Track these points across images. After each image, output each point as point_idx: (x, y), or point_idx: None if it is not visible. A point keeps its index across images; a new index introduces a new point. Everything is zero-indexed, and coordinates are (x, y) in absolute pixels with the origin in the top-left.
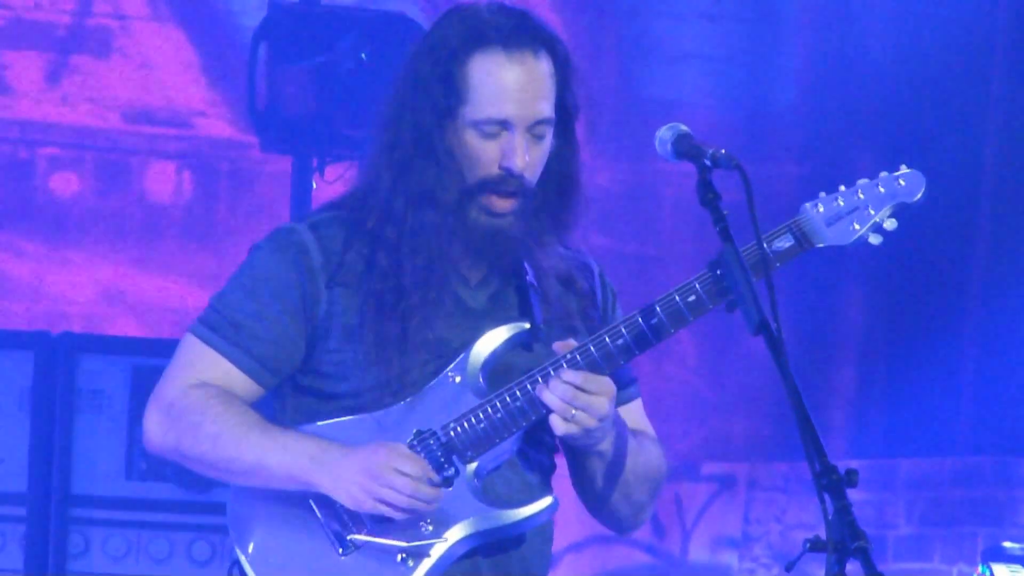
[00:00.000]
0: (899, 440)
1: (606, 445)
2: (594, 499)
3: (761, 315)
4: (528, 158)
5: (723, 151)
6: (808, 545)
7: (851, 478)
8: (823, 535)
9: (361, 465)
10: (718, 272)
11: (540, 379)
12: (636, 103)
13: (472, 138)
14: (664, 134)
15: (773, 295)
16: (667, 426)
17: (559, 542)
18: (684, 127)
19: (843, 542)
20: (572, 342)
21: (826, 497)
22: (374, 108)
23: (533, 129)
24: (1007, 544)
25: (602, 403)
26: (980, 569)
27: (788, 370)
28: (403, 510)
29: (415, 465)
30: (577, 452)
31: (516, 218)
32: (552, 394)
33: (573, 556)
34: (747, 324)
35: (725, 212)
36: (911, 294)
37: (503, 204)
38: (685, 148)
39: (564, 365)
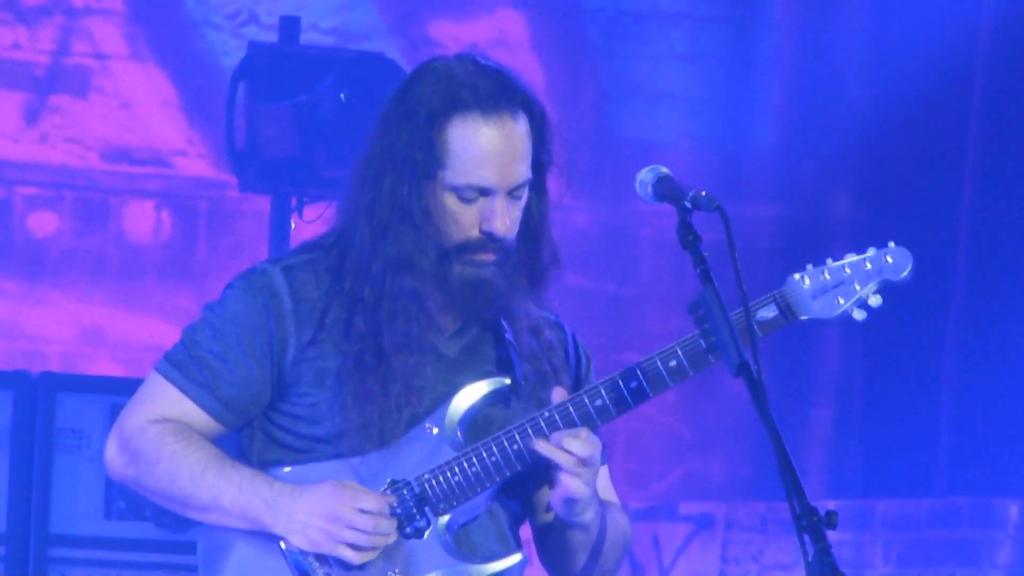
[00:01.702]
0: (877, 480)
1: (590, 515)
2: (566, 570)
3: (741, 357)
4: (508, 221)
5: (704, 193)
6: None
7: (831, 520)
8: None
9: (316, 507)
10: (703, 326)
11: (520, 434)
12: (613, 144)
13: (451, 202)
14: (644, 176)
15: (759, 364)
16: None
17: None
18: (664, 169)
19: None
20: (563, 391)
21: (806, 538)
22: (352, 152)
23: (513, 192)
24: None
25: (597, 459)
26: None
27: (768, 412)
28: (366, 549)
29: (371, 499)
30: (555, 524)
31: (498, 268)
32: (566, 452)
33: None
34: (728, 365)
35: (706, 254)
36: (888, 334)
37: (485, 256)
38: (665, 190)
39: (542, 424)
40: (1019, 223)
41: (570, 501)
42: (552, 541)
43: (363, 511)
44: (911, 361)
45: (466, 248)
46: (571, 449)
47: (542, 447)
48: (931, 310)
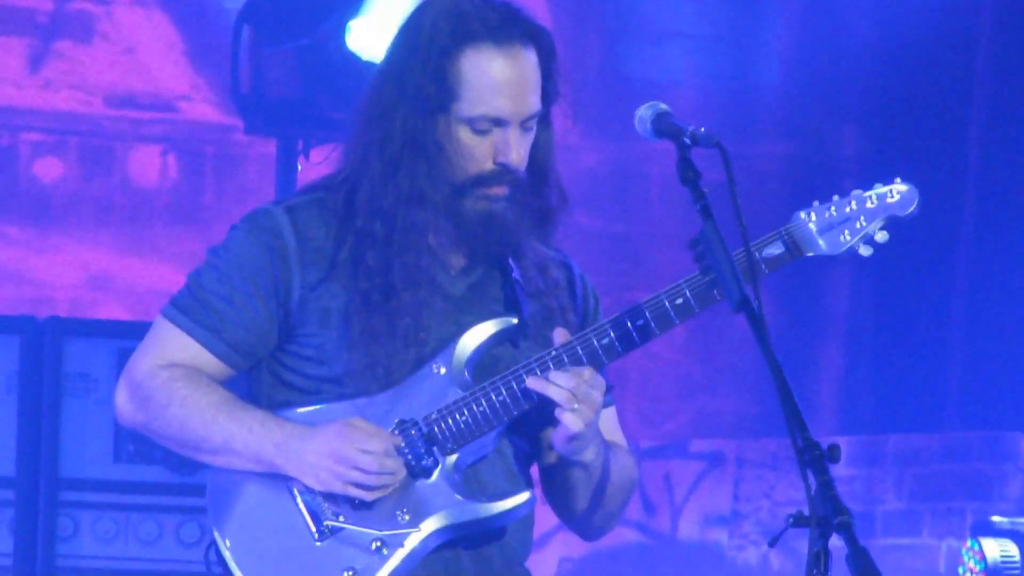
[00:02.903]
0: (888, 416)
1: (591, 455)
2: (569, 509)
3: (742, 292)
4: (523, 153)
5: (702, 129)
6: (791, 520)
7: (833, 453)
8: (803, 510)
9: (324, 448)
10: (705, 270)
11: (527, 373)
12: (621, 83)
13: (465, 134)
14: (643, 113)
15: (759, 299)
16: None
17: (548, 522)
18: (664, 105)
19: (826, 517)
20: (565, 332)
21: (809, 473)
22: (358, 92)
23: (525, 123)
24: (995, 518)
25: (598, 398)
26: (969, 543)
27: (769, 347)
28: (374, 488)
29: (377, 440)
30: (558, 464)
31: (509, 203)
32: (556, 385)
33: (563, 536)
34: (728, 301)
35: (705, 190)
36: (898, 270)
37: (499, 190)
38: (664, 127)
39: (549, 363)
40: None
41: (569, 438)
42: (555, 480)
43: (367, 451)
44: (921, 296)
45: (480, 181)
46: (559, 383)
47: (532, 383)
48: (940, 245)
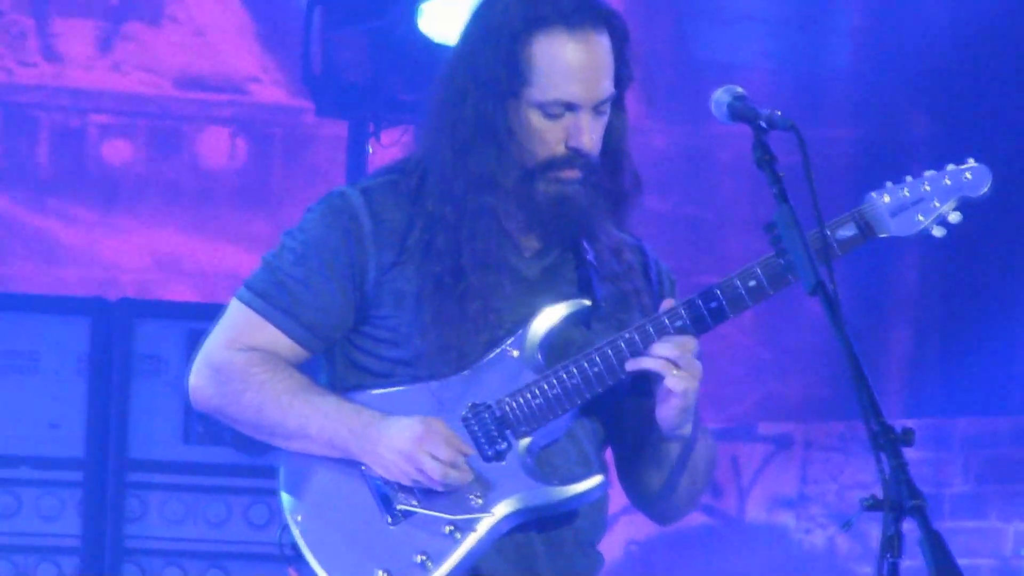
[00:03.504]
0: (955, 399)
1: (690, 427)
2: (654, 490)
3: (817, 275)
4: (594, 136)
5: (779, 112)
6: (865, 505)
7: (907, 437)
8: (879, 494)
9: (396, 444)
10: (780, 253)
11: (612, 354)
12: (692, 65)
13: (537, 119)
14: (719, 96)
15: (834, 282)
16: (723, 387)
17: (615, 505)
18: (739, 89)
19: (899, 501)
20: (671, 301)
21: (882, 456)
22: (431, 76)
23: (598, 107)
24: None
25: (699, 368)
26: None
27: (844, 330)
28: (437, 486)
29: (447, 448)
30: (651, 442)
31: (582, 186)
32: (658, 357)
33: (629, 517)
34: (803, 284)
35: (781, 174)
36: (967, 252)
37: (571, 173)
38: (740, 110)
39: (623, 345)
40: None
41: (674, 409)
42: (644, 459)
43: (436, 458)
44: (990, 278)
45: (551, 165)
46: (663, 353)
47: (632, 363)
48: (1010, 227)
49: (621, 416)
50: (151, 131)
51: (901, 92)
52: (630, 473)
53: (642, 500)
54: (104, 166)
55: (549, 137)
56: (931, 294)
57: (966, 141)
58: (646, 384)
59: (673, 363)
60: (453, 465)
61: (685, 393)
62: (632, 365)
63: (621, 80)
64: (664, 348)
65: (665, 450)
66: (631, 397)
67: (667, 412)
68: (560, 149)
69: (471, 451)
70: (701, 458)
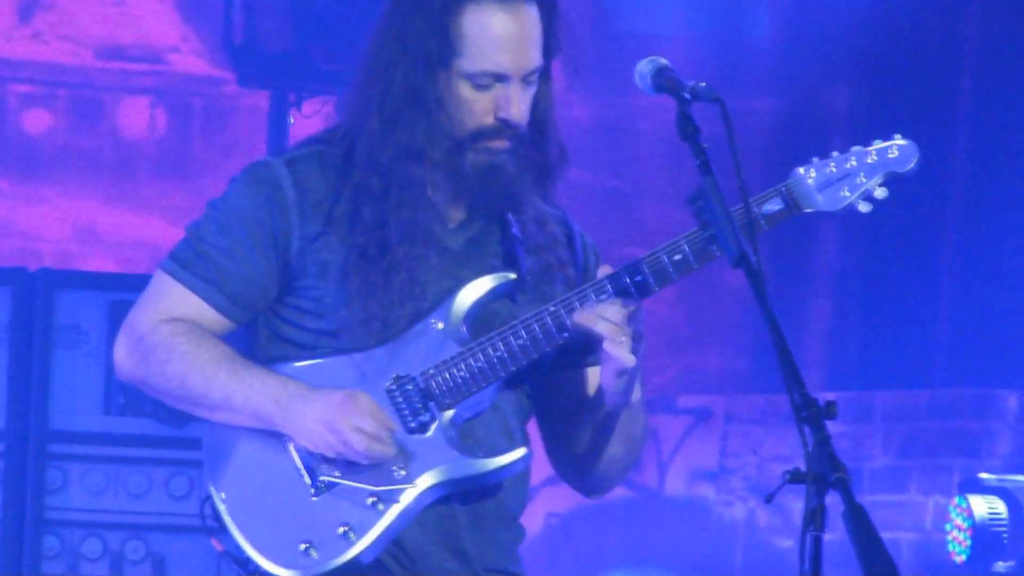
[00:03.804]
0: (875, 372)
1: (638, 394)
2: (589, 460)
3: (741, 248)
4: (523, 107)
5: (703, 84)
6: (787, 477)
7: (830, 410)
8: (801, 467)
9: (321, 415)
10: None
11: (537, 326)
12: (612, 37)
13: (466, 90)
14: (644, 67)
15: (758, 255)
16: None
17: (535, 476)
18: (664, 60)
19: (822, 474)
20: (608, 268)
21: (805, 429)
22: (351, 47)
23: (527, 78)
24: (983, 475)
25: (643, 332)
26: (956, 500)
27: (768, 303)
28: (362, 461)
29: (372, 421)
30: (591, 409)
31: (511, 155)
32: (605, 319)
33: (549, 489)
34: (727, 257)
35: (705, 146)
36: (887, 226)
37: (500, 143)
38: (664, 81)
39: (547, 318)
40: (1018, 114)
41: (619, 372)
42: (578, 429)
43: (360, 430)
44: (910, 253)
45: (481, 135)
46: (608, 316)
47: (580, 317)
48: (930, 201)
49: (550, 387)
50: (71, 101)
51: (821, 64)
52: (560, 444)
53: (573, 471)
54: (24, 136)
55: (478, 108)
56: (851, 268)
57: (885, 114)
58: (576, 355)
59: (619, 326)
60: (377, 438)
61: (628, 358)
62: (580, 319)
63: (549, 51)
64: (610, 311)
65: (604, 417)
66: (561, 368)
67: (610, 377)
68: (489, 119)
69: (396, 426)
70: (638, 426)
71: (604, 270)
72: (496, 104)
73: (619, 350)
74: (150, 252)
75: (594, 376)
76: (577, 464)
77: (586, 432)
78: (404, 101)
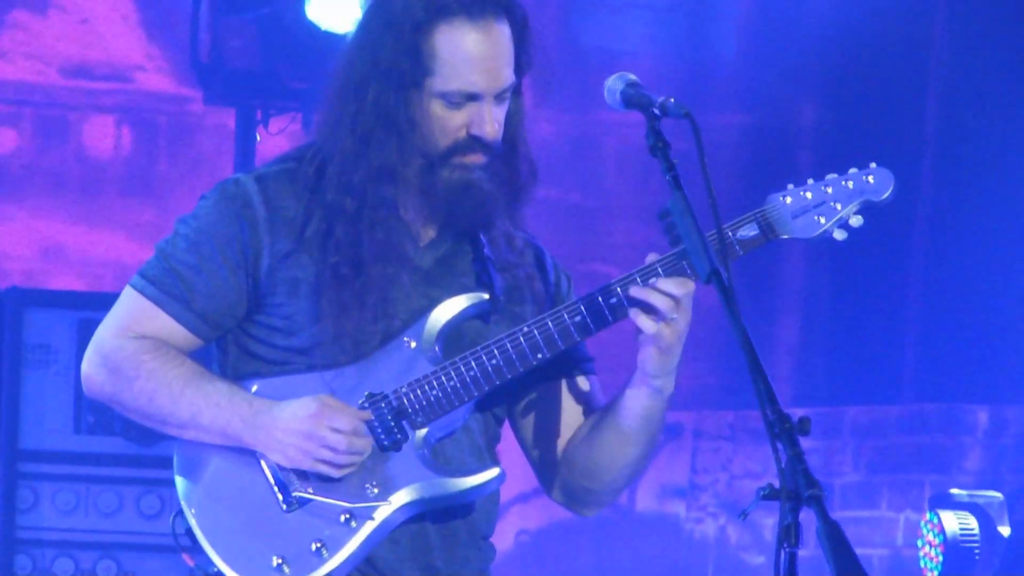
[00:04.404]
0: (844, 388)
1: (670, 382)
2: (615, 463)
3: (712, 264)
4: (496, 124)
5: (672, 99)
6: (762, 494)
7: (803, 426)
8: (774, 483)
9: (293, 425)
10: (674, 241)
11: (510, 347)
12: (579, 53)
13: (439, 109)
14: (612, 83)
15: (730, 274)
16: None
17: (506, 493)
18: (632, 76)
19: (796, 491)
20: (654, 255)
21: (779, 445)
22: (321, 63)
23: (499, 95)
24: (954, 491)
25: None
26: (928, 516)
27: (739, 319)
28: (342, 466)
29: (346, 418)
30: (615, 409)
31: (485, 172)
32: (663, 292)
33: (520, 507)
34: (699, 272)
35: (674, 161)
36: (854, 244)
37: (474, 158)
38: (634, 97)
39: (521, 339)
40: (985, 132)
41: (664, 351)
42: (598, 435)
43: (336, 429)
44: (877, 269)
45: (454, 151)
46: (667, 289)
47: (637, 291)
48: (897, 219)
49: (534, 403)
50: (37, 119)
51: (787, 80)
52: (549, 459)
53: (583, 478)
54: None
55: (451, 126)
56: (819, 284)
57: (852, 130)
58: (558, 367)
59: (676, 302)
60: (355, 433)
61: (678, 336)
62: (637, 293)
63: (520, 68)
64: (670, 284)
65: (637, 411)
66: (546, 380)
67: (654, 357)
68: (462, 135)
69: (369, 415)
70: (658, 424)
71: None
72: (469, 121)
73: (667, 330)
74: (117, 270)
75: (583, 385)
76: (577, 476)
77: (601, 437)
78: (376, 121)
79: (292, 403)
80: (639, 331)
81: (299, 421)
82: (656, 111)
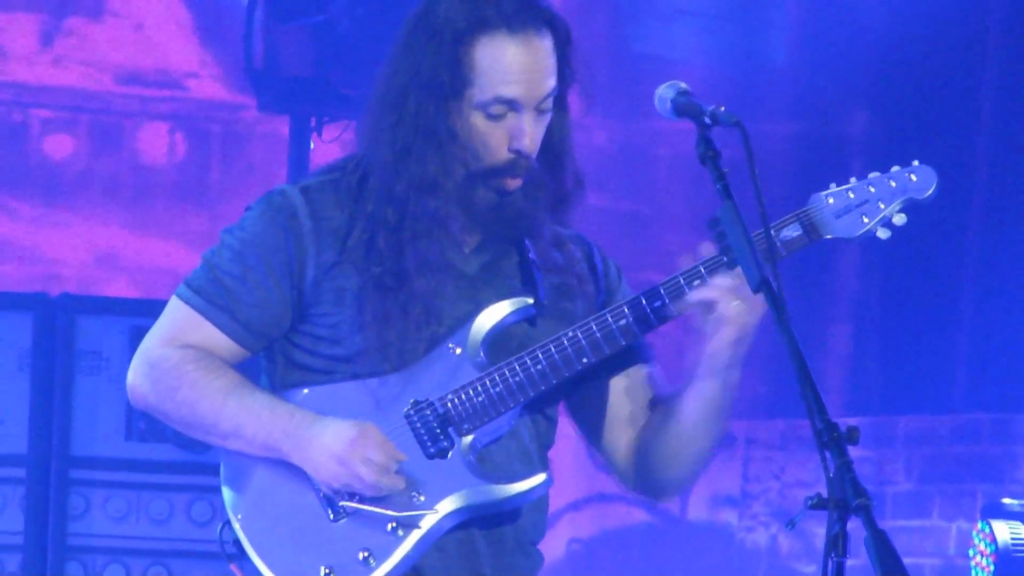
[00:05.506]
0: (897, 397)
1: (735, 371)
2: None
3: (762, 272)
4: (537, 137)
5: (723, 108)
6: (810, 503)
7: (852, 435)
8: (823, 493)
9: (329, 447)
10: (724, 250)
11: (555, 352)
12: (629, 61)
13: (478, 121)
14: (663, 92)
15: (779, 280)
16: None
17: (558, 501)
18: (683, 84)
19: (844, 500)
20: (708, 245)
21: (827, 455)
22: (371, 71)
23: (539, 106)
24: (1006, 500)
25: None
26: (979, 526)
27: (789, 328)
28: (368, 491)
29: (381, 453)
30: (691, 396)
31: (523, 193)
32: (718, 288)
33: (572, 515)
34: (748, 281)
35: (725, 170)
36: (907, 251)
37: (512, 183)
38: (684, 105)
39: (566, 343)
40: None
41: (735, 341)
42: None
43: (369, 462)
44: (930, 277)
45: (494, 172)
46: (722, 285)
47: (695, 293)
48: (950, 226)
49: (593, 398)
50: (92, 126)
51: (838, 87)
52: (619, 451)
53: (661, 468)
54: (46, 161)
55: (491, 140)
56: (871, 292)
57: (904, 137)
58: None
59: (731, 293)
60: (386, 470)
61: (743, 326)
62: (696, 295)
63: (564, 79)
64: (724, 280)
65: (709, 394)
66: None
67: (723, 349)
68: (502, 154)
69: (404, 457)
70: (723, 417)
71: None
72: (510, 135)
73: (734, 313)
74: (169, 277)
75: (645, 375)
76: (654, 466)
77: (677, 428)
78: (417, 133)
79: (333, 423)
80: (703, 324)
81: (337, 444)
82: (707, 120)
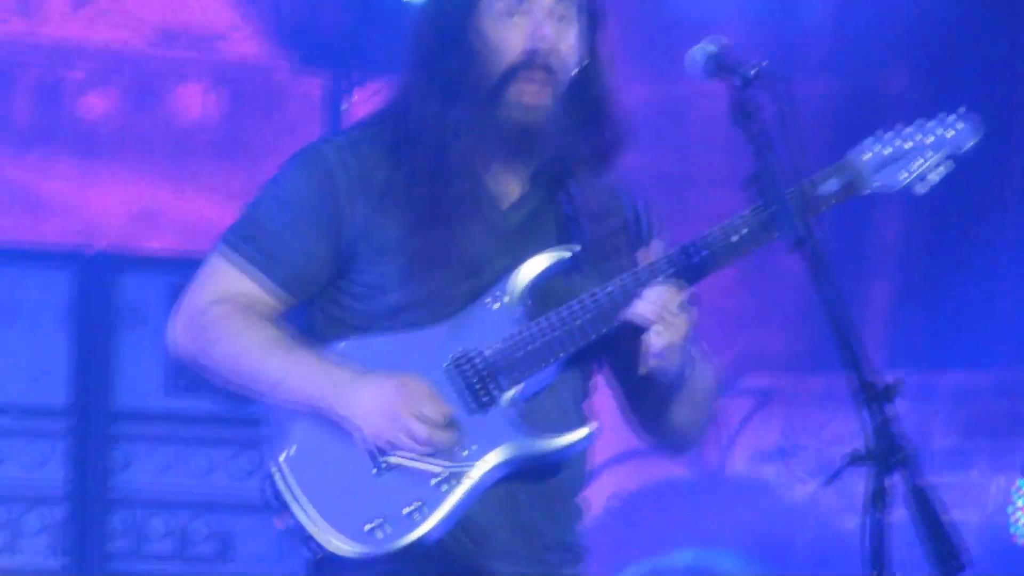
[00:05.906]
0: (940, 352)
1: (678, 369)
2: (662, 427)
3: (800, 230)
4: (553, 36)
5: (764, 63)
6: (849, 458)
7: (890, 392)
8: (860, 448)
9: (378, 402)
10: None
11: (593, 307)
12: (664, 21)
13: (493, 26)
14: (700, 50)
15: (818, 236)
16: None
17: (597, 456)
18: (717, 45)
19: (884, 455)
20: (654, 252)
21: (867, 410)
22: (406, 28)
23: (555, 8)
24: None
25: (684, 321)
26: (1018, 483)
27: (827, 285)
28: (417, 453)
29: (434, 408)
30: (655, 385)
31: (550, 113)
32: (638, 311)
33: (612, 470)
34: (787, 239)
35: (760, 129)
36: (948, 204)
37: (533, 93)
38: (724, 61)
39: (603, 299)
40: None
41: (654, 358)
42: (646, 397)
43: (422, 417)
44: (973, 230)
45: (512, 73)
46: (641, 311)
47: (619, 316)
48: (991, 180)
49: (622, 358)
50: (127, 85)
51: (880, 45)
52: (636, 411)
53: (652, 434)
54: (82, 120)
55: (506, 43)
56: (914, 246)
57: (946, 95)
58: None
59: (657, 317)
60: (438, 425)
61: (668, 347)
62: (619, 317)
63: (593, 13)
64: (645, 306)
65: (661, 388)
66: (628, 340)
67: (650, 361)
68: (517, 54)
69: (452, 409)
70: (699, 389)
71: (656, 247)
72: (526, 35)
73: (656, 340)
74: (208, 234)
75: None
76: (652, 427)
77: (651, 398)
78: (440, 49)
79: (379, 377)
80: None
81: (385, 398)
82: (737, 82)
